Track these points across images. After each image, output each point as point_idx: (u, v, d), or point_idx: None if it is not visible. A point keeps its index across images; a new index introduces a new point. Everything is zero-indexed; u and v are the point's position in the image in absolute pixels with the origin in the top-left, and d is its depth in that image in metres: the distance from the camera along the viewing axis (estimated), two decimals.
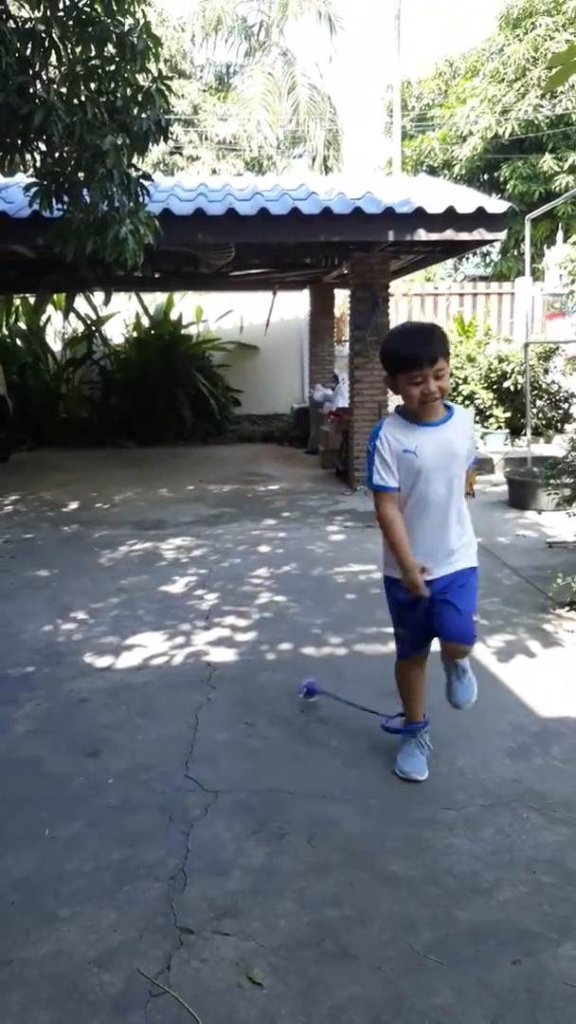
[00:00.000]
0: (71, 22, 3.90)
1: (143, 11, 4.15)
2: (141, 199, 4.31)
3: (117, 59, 3.97)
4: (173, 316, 11.67)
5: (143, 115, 4.05)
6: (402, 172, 17.42)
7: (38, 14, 3.88)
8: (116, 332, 11.83)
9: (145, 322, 11.63)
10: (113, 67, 4.03)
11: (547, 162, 14.84)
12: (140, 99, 4.08)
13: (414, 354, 2.20)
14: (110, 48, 3.95)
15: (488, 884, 2.01)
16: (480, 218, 6.42)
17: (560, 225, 13.75)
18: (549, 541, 5.29)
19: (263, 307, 11.86)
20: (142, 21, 3.98)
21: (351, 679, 3.22)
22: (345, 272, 8.33)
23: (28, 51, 3.88)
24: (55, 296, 11.22)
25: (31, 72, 3.90)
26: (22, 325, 11.58)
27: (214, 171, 17.51)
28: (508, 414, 9.28)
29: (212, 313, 12.15)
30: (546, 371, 9.20)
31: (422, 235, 6.48)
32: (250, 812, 2.32)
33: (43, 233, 5.19)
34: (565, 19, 14.98)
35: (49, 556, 5.22)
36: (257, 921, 1.89)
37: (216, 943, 1.82)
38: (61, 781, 2.51)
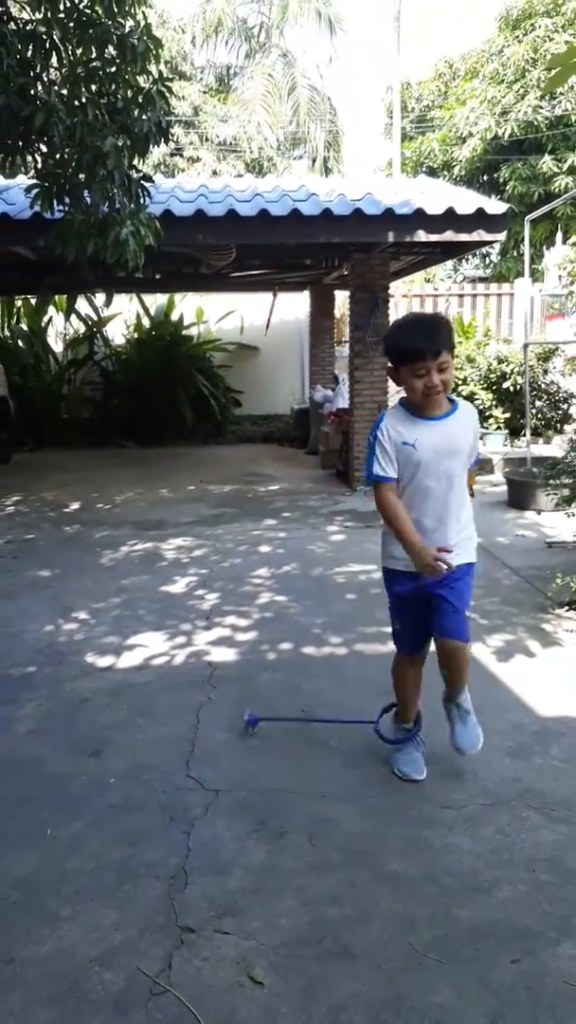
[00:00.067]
0: (72, 24, 3.91)
1: (143, 13, 4.16)
2: (142, 200, 4.32)
3: (118, 61, 3.98)
4: (174, 317, 11.69)
5: (144, 117, 4.06)
6: (402, 173, 17.43)
7: (39, 16, 3.89)
8: (117, 333, 11.85)
9: (146, 323, 11.64)
10: (114, 69, 4.03)
11: (546, 163, 14.86)
12: (141, 101, 4.09)
13: (417, 346, 2.17)
14: (111, 50, 3.96)
15: (488, 883, 2.02)
16: (479, 219, 6.43)
17: (559, 226, 13.78)
18: (548, 541, 5.30)
19: (263, 308, 11.87)
20: (143, 23, 3.99)
21: (351, 679, 3.23)
22: (345, 273, 8.33)
23: (29, 53, 3.89)
24: (56, 297, 11.24)
25: (32, 74, 3.91)
26: (24, 326, 11.61)
27: (215, 172, 17.53)
28: (507, 415, 9.28)
29: (213, 314, 12.17)
30: (545, 372, 9.21)
31: (422, 236, 6.49)
32: (251, 811, 2.33)
33: (44, 234, 5.20)
34: (564, 20, 15.00)
35: (50, 556, 5.23)
36: (258, 920, 1.90)
37: (217, 942, 1.83)
38: (62, 781, 2.52)
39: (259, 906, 1.95)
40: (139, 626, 3.90)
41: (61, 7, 3.86)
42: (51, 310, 11.60)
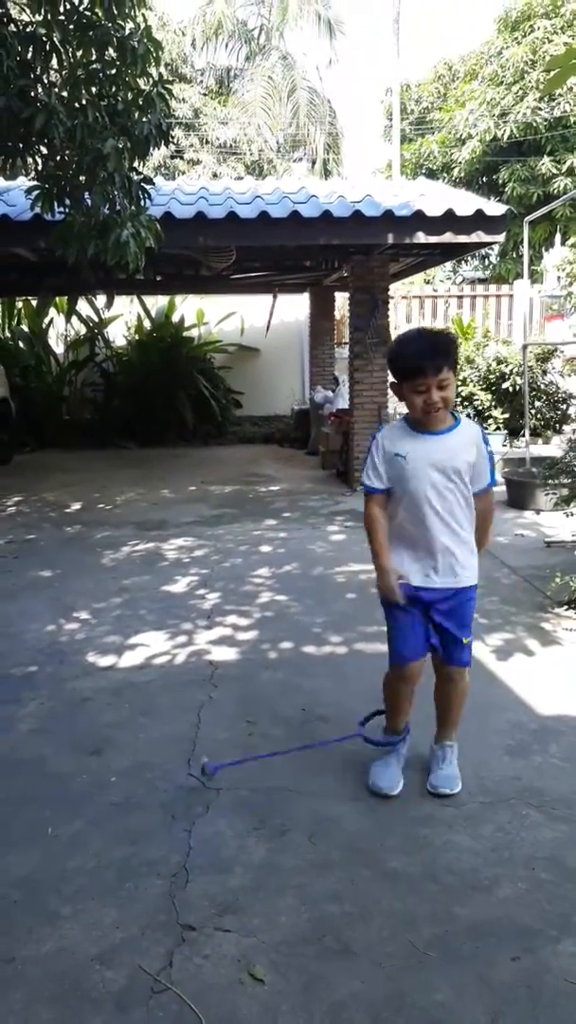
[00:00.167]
0: (72, 26, 3.91)
1: (144, 15, 4.17)
2: (142, 202, 4.33)
3: (118, 63, 3.99)
4: (174, 319, 11.71)
5: (144, 119, 4.07)
6: (401, 175, 17.45)
7: (39, 18, 3.90)
8: (118, 334, 11.87)
9: (147, 324, 11.66)
10: (114, 71, 4.04)
11: (545, 164, 14.88)
12: (141, 103, 4.10)
13: (418, 363, 2.15)
14: (111, 52, 3.97)
15: (488, 881, 2.02)
16: (479, 221, 6.44)
17: (558, 227, 13.80)
18: (547, 541, 5.30)
19: (264, 310, 11.89)
20: (143, 25, 4.00)
21: (352, 677, 3.23)
22: (345, 275, 8.34)
23: (29, 55, 3.89)
24: (57, 299, 11.26)
25: (32, 76, 3.92)
26: (24, 328, 11.62)
27: (215, 175, 17.55)
28: (507, 415, 9.29)
29: (213, 315, 12.18)
30: (544, 372, 9.22)
31: (421, 238, 6.50)
32: (251, 809, 2.33)
33: (45, 236, 5.21)
34: (563, 22, 15.03)
35: (52, 556, 5.23)
36: (258, 918, 1.90)
37: (218, 940, 1.84)
38: (64, 780, 2.53)
39: (260, 904, 1.95)
40: (140, 625, 3.91)
41: (61, 9, 3.87)
42: (52, 312, 11.61)
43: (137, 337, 11.63)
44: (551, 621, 3.83)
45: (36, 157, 4.29)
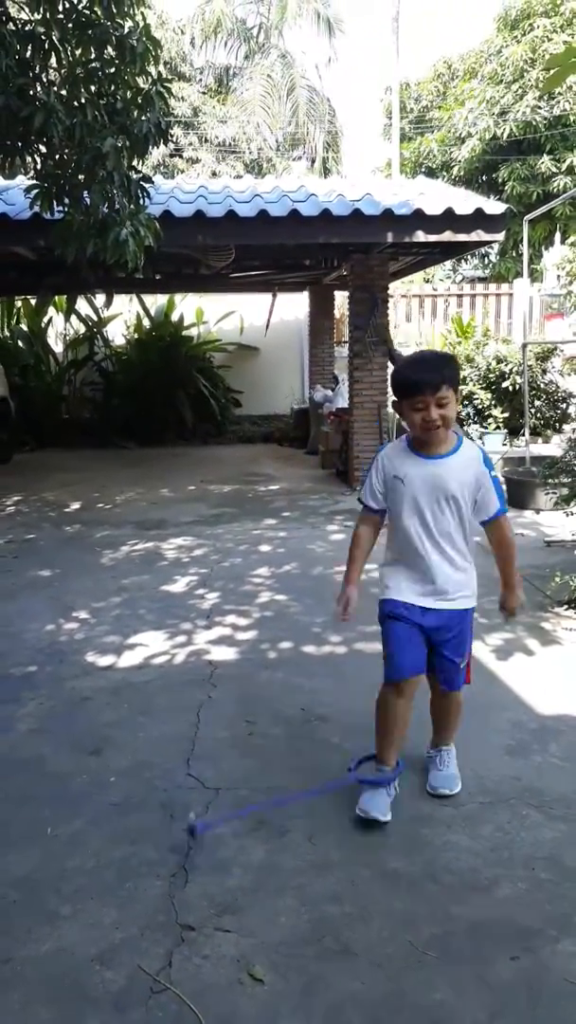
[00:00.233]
0: (71, 25, 3.91)
1: (142, 14, 4.16)
2: (141, 201, 4.32)
3: (117, 62, 3.98)
4: (174, 317, 11.70)
5: (143, 118, 4.06)
6: (401, 174, 17.44)
7: (38, 16, 3.90)
8: (117, 333, 11.86)
9: (146, 323, 11.65)
10: (113, 70, 4.03)
11: (545, 163, 14.86)
12: (140, 102, 4.09)
13: (416, 380, 2.14)
14: (110, 51, 3.96)
15: (487, 881, 2.02)
16: (478, 219, 6.43)
17: (558, 226, 13.78)
18: (547, 540, 5.30)
19: (263, 308, 11.88)
20: (142, 24, 3.99)
21: (351, 677, 3.23)
22: (344, 273, 8.34)
23: (28, 53, 3.89)
24: (56, 298, 11.25)
25: (31, 74, 3.91)
26: (24, 327, 11.61)
27: (214, 173, 17.53)
28: (506, 414, 9.28)
29: (212, 314, 12.18)
30: (544, 371, 9.21)
31: (421, 236, 6.50)
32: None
33: (44, 235, 5.21)
34: (563, 20, 15.01)
35: (51, 556, 5.23)
36: (258, 918, 1.90)
37: (217, 940, 1.83)
38: (63, 779, 2.53)
39: (259, 904, 1.95)
40: (140, 625, 3.91)
41: (60, 8, 3.86)
42: (51, 311, 11.60)
43: (136, 336, 11.62)
44: (551, 620, 3.83)
45: (35, 156, 4.29)
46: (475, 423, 9.10)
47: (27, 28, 3.91)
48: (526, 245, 7.41)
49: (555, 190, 14.37)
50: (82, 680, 3.29)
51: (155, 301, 11.92)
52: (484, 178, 16.70)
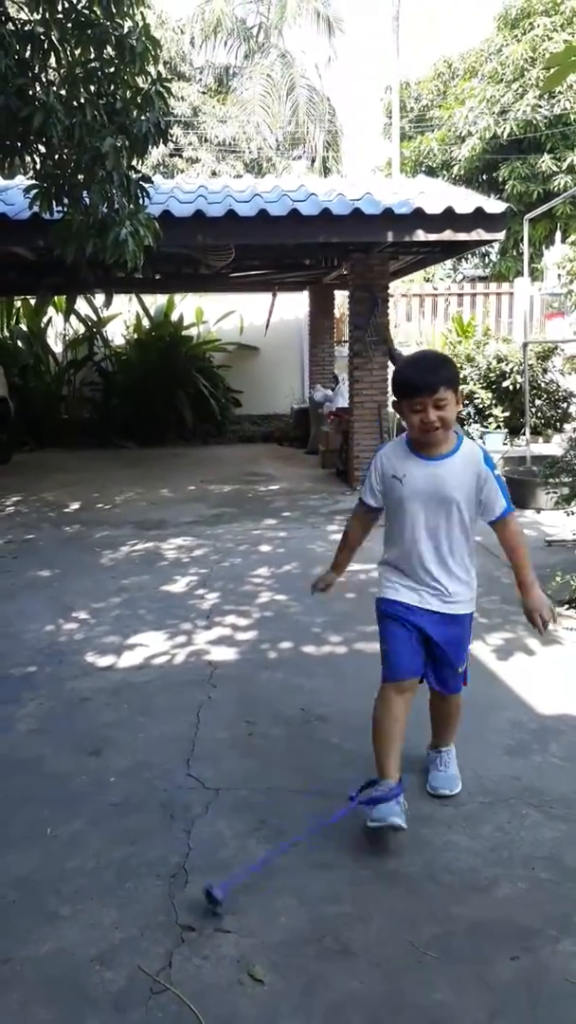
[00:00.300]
0: (70, 24, 3.90)
1: (142, 14, 4.16)
2: (141, 201, 4.32)
3: (116, 61, 3.98)
4: (174, 317, 11.70)
5: (143, 117, 4.06)
6: (401, 173, 17.42)
7: (37, 16, 3.89)
8: (117, 333, 11.86)
9: (146, 323, 11.65)
10: (112, 69, 4.03)
11: (545, 162, 14.85)
12: (139, 101, 4.09)
13: (414, 381, 2.13)
14: (109, 50, 3.96)
15: (487, 881, 2.02)
16: (478, 218, 6.43)
17: (558, 225, 13.76)
18: (548, 540, 5.30)
19: (263, 308, 11.87)
20: (141, 24, 3.99)
21: (351, 677, 3.23)
22: (344, 273, 8.34)
23: (27, 53, 3.89)
24: (56, 298, 11.24)
25: (31, 74, 3.91)
26: (23, 327, 11.61)
27: (214, 173, 17.52)
28: (507, 414, 9.28)
29: (212, 314, 12.17)
30: (545, 371, 9.21)
31: (421, 236, 6.49)
32: (251, 810, 2.33)
33: (43, 235, 5.21)
34: (563, 19, 15.00)
35: (51, 556, 5.23)
36: (258, 918, 1.90)
37: (217, 940, 1.83)
38: (63, 780, 2.53)
39: (259, 904, 1.95)
40: (139, 625, 3.91)
41: (59, 8, 3.86)
42: (50, 311, 11.60)
43: (136, 336, 11.62)
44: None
45: (34, 156, 4.29)
46: (476, 422, 9.10)
47: (26, 28, 3.91)
48: (526, 244, 7.40)
49: (555, 189, 14.36)
50: (82, 680, 3.29)
51: (155, 301, 11.91)
52: (484, 177, 16.69)
